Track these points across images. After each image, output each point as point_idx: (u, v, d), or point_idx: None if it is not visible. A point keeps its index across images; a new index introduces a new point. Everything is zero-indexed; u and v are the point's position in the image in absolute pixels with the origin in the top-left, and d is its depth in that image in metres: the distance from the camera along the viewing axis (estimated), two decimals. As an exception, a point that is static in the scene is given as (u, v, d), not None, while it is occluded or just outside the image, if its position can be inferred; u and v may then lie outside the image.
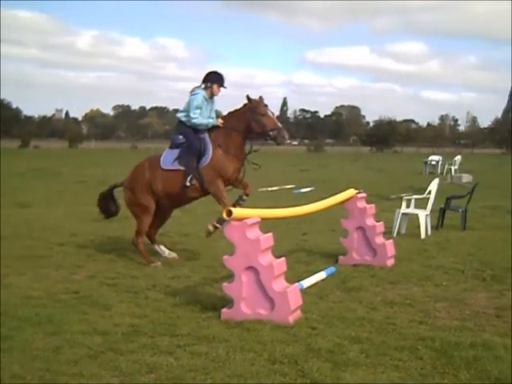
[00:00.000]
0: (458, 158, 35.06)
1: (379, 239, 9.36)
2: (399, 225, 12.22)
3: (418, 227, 11.93)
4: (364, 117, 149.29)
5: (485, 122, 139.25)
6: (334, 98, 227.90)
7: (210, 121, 9.47)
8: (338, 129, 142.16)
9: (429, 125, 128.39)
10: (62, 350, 5.51)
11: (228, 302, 6.64)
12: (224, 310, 6.52)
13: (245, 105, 9.40)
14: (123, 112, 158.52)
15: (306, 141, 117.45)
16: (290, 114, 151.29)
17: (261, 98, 9.43)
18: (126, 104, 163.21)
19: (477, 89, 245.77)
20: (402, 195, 12.79)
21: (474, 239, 11.73)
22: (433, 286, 8.06)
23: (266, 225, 7.34)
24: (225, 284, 6.61)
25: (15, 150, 74.79)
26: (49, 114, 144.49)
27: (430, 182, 12.97)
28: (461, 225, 13.06)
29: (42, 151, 75.26)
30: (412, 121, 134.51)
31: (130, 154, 61.41)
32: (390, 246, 9.35)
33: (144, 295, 7.46)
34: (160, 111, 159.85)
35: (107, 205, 10.29)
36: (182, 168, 9.33)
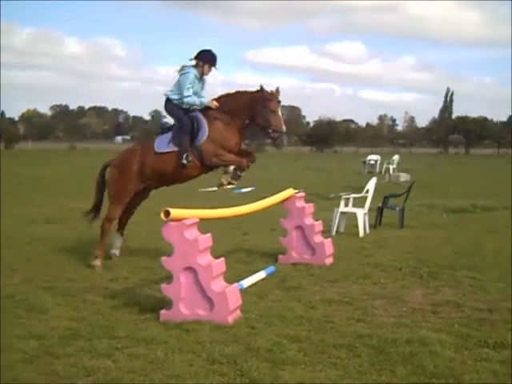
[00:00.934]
0: (396, 157, 35.65)
1: (318, 238, 9.44)
2: (338, 224, 12.35)
3: (357, 226, 12.08)
4: (304, 117, 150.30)
5: (422, 122, 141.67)
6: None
7: (203, 100, 9.14)
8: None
9: (368, 125, 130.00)
10: (-4, 355, 5.38)
11: (167, 303, 6.59)
12: (163, 312, 6.48)
13: (256, 91, 9.03)
14: (61, 112, 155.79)
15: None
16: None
17: (277, 90, 9.09)
18: (63, 104, 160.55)
19: (414, 89, 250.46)
20: (341, 194, 12.92)
21: (411, 237, 11.93)
22: (371, 283, 8.17)
23: (206, 225, 7.33)
24: (163, 285, 6.57)
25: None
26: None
27: (368, 181, 13.15)
28: (398, 223, 13.27)
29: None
30: (351, 121, 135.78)
31: (69, 154, 60.44)
32: (328, 245, 9.44)
33: (82, 298, 7.35)
34: (99, 111, 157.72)
35: (103, 191, 9.81)
36: (176, 149, 9.04)
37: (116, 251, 9.62)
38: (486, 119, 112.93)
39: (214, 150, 8.97)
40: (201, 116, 9.09)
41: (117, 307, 6.93)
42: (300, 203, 9.48)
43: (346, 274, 8.64)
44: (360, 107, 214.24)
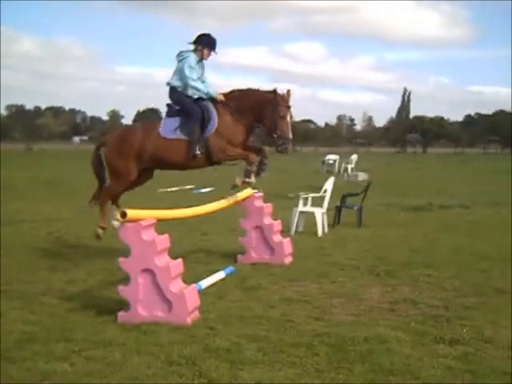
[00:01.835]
0: (355, 156, 36.00)
1: (277, 238, 9.46)
2: (297, 223, 12.40)
3: (315, 225, 12.14)
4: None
5: (380, 121, 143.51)
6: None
7: (211, 91, 8.90)
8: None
9: (327, 125, 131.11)
10: (-51, 360, 5.27)
11: (125, 305, 6.53)
12: (120, 314, 6.42)
13: (269, 92, 8.82)
14: (17, 112, 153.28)
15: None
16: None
17: (288, 93, 8.86)
18: (19, 104, 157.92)
19: (372, 89, 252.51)
20: (300, 194, 12.97)
21: (369, 236, 12.05)
22: (329, 282, 8.22)
23: (164, 226, 7.29)
24: (120, 287, 6.51)
25: None
26: None
27: (326, 181, 13.23)
28: (356, 222, 13.38)
29: None
30: (310, 121, 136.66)
31: (25, 155, 59.54)
32: (287, 244, 9.48)
33: (38, 301, 7.23)
34: (56, 111, 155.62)
35: (103, 171, 9.47)
36: (184, 137, 8.76)
37: (115, 223, 9.42)
38: (442, 119, 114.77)
39: (220, 145, 8.76)
40: (211, 107, 8.87)
41: (74, 310, 6.85)
42: (259, 203, 9.49)
43: (304, 273, 8.67)
44: (319, 107, 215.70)
